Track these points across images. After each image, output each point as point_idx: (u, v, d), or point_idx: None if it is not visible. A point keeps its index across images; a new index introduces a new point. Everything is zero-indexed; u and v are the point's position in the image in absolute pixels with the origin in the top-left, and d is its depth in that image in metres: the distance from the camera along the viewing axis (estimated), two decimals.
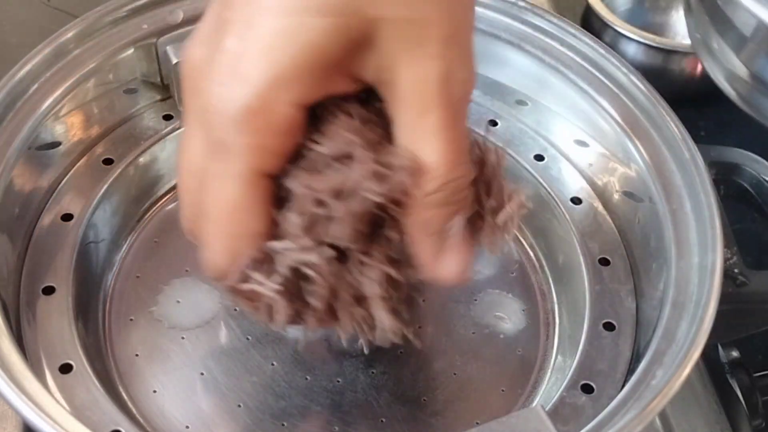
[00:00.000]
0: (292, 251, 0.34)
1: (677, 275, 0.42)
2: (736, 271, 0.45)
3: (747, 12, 0.44)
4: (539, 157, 0.50)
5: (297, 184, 0.33)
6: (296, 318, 0.36)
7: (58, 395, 0.38)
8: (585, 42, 0.49)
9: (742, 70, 0.48)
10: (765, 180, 0.50)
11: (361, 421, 0.41)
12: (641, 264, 0.45)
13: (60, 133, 0.47)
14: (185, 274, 0.46)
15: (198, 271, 0.45)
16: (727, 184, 0.50)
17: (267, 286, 0.34)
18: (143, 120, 0.49)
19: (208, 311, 0.44)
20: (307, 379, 0.42)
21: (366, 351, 0.40)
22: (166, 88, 0.50)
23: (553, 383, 0.43)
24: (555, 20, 0.49)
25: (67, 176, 0.46)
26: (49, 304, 0.41)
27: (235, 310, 0.44)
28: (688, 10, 0.52)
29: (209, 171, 0.33)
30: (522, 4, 0.50)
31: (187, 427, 0.40)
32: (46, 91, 0.45)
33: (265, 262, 0.34)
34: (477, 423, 0.40)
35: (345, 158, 0.34)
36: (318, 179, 0.33)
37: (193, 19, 0.49)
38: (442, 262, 0.35)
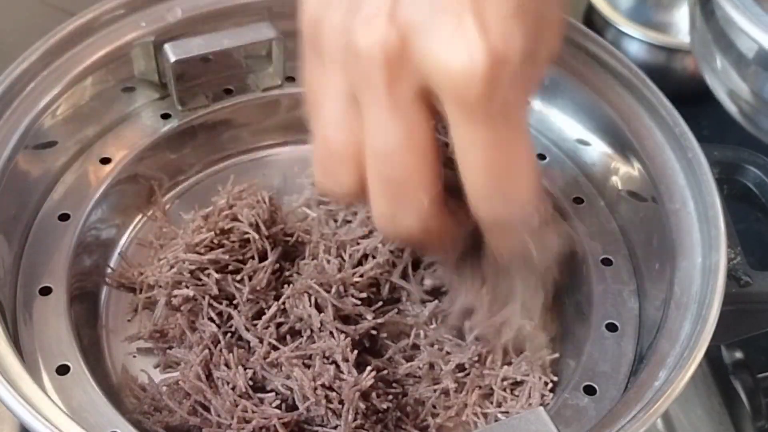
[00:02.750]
0: None
1: (680, 275, 0.41)
2: (739, 271, 0.44)
3: (748, 36, 0.45)
4: (542, 156, 0.49)
5: None
6: None
7: (54, 397, 0.37)
8: (588, 40, 0.48)
9: (743, 89, 0.48)
10: None
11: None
12: (644, 264, 0.45)
13: (57, 131, 0.46)
14: None
15: None
16: (731, 184, 0.50)
17: None
18: (141, 118, 0.49)
19: None
20: None
21: None
22: (164, 86, 0.49)
23: (555, 384, 0.42)
24: None
25: (64, 175, 0.46)
26: (46, 305, 0.41)
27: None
28: (693, 27, 0.52)
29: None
30: None
31: None
32: (43, 90, 0.45)
33: None
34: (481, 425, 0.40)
35: None
36: None
37: (191, 17, 0.49)
38: None
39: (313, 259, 0.44)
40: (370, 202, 0.36)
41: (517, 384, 0.41)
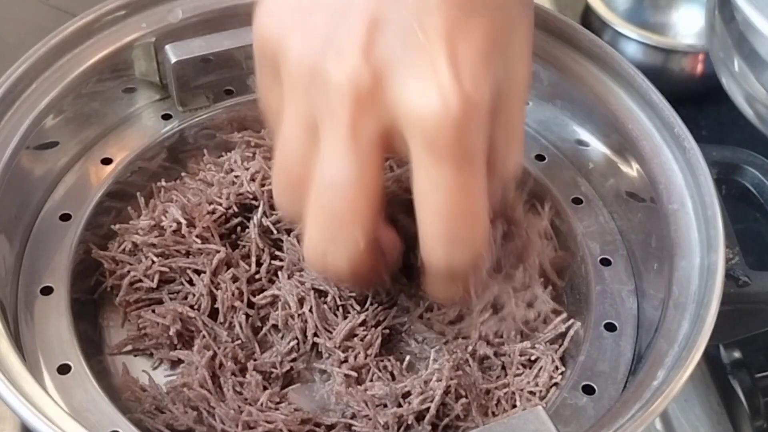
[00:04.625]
0: None
1: (679, 275, 0.41)
2: (738, 271, 0.44)
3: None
4: (540, 157, 0.49)
5: None
6: None
7: (56, 396, 0.37)
8: (586, 41, 0.48)
9: (761, 93, 0.48)
10: (766, 180, 0.50)
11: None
12: (643, 264, 0.45)
13: (58, 132, 0.46)
14: None
15: None
16: (729, 184, 0.50)
17: None
18: (142, 119, 0.49)
19: None
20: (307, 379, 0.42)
21: None
22: (165, 87, 0.49)
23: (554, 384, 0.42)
24: (555, 19, 0.49)
25: (66, 176, 0.46)
26: (47, 305, 0.41)
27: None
28: (712, 31, 0.53)
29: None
30: None
31: None
32: (45, 90, 0.45)
33: None
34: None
35: None
36: None
37: (192, 18, 0.49)
38: None
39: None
40: (305, 231, 0.35)
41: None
